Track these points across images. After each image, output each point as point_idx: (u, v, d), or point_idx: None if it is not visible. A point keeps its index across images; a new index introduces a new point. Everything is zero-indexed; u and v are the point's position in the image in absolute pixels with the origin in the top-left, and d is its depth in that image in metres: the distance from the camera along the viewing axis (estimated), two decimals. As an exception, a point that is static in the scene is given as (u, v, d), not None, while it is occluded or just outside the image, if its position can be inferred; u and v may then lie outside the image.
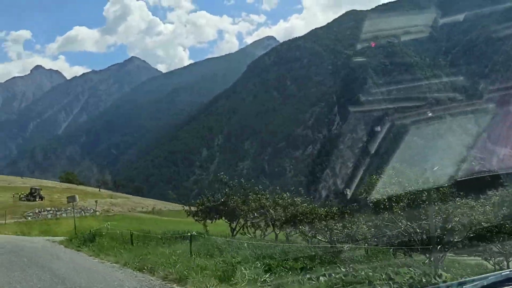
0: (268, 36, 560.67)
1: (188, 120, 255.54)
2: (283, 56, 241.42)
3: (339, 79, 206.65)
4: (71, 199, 29.37)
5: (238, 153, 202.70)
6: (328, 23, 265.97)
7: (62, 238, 20.75)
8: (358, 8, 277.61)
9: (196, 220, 26.75)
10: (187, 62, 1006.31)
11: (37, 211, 43.39)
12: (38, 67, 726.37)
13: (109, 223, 20.62)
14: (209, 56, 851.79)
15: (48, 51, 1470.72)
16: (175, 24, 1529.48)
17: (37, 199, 53.75)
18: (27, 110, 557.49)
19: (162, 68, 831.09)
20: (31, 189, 56.93)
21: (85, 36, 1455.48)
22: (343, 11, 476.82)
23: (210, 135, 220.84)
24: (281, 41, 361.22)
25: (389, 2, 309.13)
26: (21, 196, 54.56)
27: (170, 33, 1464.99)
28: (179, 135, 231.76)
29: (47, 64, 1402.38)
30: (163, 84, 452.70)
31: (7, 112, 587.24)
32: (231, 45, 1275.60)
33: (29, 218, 39.83)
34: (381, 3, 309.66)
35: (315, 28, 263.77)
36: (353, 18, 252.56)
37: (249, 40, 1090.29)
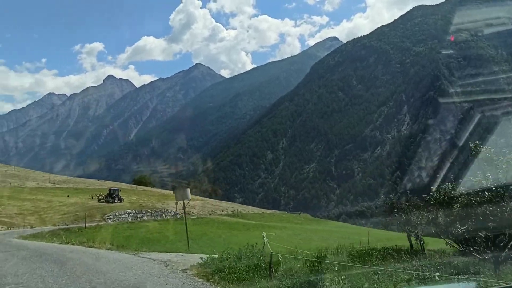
0: (330, 37, 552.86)
1: (252, 124, 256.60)
2: (348, 56, 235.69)
3: (407, 77, 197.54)
4: (181, 194, 21.63)
5: (303, 156, 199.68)
6: (394, 20, 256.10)
7: (176, 255, 14.24)
8: (426, 3, 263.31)
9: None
10: (249, 66, 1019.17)
11: (117, 213, 41.16)
12: (109, 76, 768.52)
13: (265, 233, 11.87)
14: (271, 59, 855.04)
15: (118, 61, 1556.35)
16: (238, 30, 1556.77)
17: (116, 201, 51.08)
18: (100, 118, 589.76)
19: (226, 73, 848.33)
20: (109, 190, 54.58)
21: (153, 46, 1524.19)
22: (410, 7, 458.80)
23: (274, 138, 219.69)
24: (344, 41, 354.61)
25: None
26: (100, 197, 52.61)
27: (233, 39, 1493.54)
28: (243, 139, 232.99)
29: (118, 73, 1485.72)
30: (227, 89, 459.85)
31: (83, 120, 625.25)
32: (293, 48, 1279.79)
33: (109, 221, 37.49)
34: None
35: (381, 26, 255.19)
36: (421, 14, 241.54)
37: (311, 42, 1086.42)
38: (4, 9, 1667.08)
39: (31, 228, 30.45)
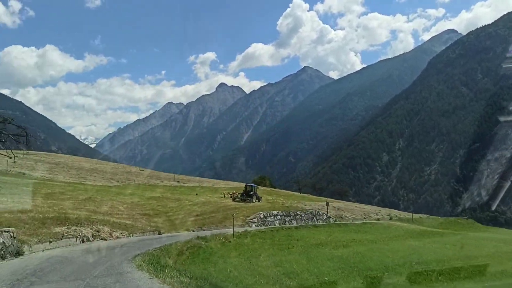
0: (447, 30, 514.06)
1: (365, 125, 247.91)
2: (471, 48, 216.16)
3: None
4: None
5: (423, 157, 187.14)
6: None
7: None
8: None
9: None
10: (359, 67, 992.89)
11: (261, 215, 33.96)
12: (221, 84, 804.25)
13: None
14: (382, 58, 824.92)
15: (230, 69, 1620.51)
16: (346, 30, 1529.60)
17: (254, 200, 44.73)
18: (214, 124, 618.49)
19: (334, 75, 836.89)
20: (246, 186, 49.76)
21: (261, 52, 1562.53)
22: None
23: (390, 139, 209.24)
24: (463, 33, 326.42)
25: None
26: (234, 195, 47.47)
27: (341, 39, 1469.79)
28: (356, 140, 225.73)
29: (230, 81, 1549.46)
30: (336, 90, 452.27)
31: (199, 127, 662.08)
32: (405, 44, 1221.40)
33: (253, 225, 31.27)
34: None
35: (509, 12, 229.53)
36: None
37: (426, 37, 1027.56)
38: (128, 27, 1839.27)
39: (158, 234, 22.89)
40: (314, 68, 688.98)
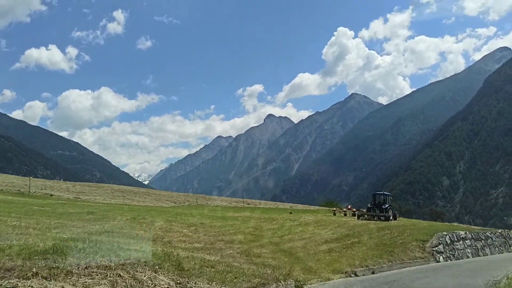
0: (500, 48, 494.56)
1: (421, 148, 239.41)
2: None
3: None
4: None
5: (487, 180, 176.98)
6: None
7: None
8: None
9: None
10: (408, 91, 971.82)
11: (447, 238, 23.43)
12: (269, 115, 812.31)
13: None
14: (432, 80, 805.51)
15: (277, 100, 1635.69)
16: (393, 54, 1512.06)
17: (390, 217, 33.99)
18: (264, 155, 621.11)
19: (383, 100, 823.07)
20: (375, 195, 37.07)
21: (308, 81, 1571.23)
22: None
23: (449, 162, 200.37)
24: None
25: None
26: (358, 212, 37.25)
27: (388, 65, 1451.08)
28: (413, 165, 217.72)
29: (277, 112, 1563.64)
30: (386, 115, 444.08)
31: (248, 159, 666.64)
32: (456, 65, 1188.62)
33: (441, 257, 21.20)
34: None
35: None
36: None
37: (477, 57, 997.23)
38: (178, 65, 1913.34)
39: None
40: (362, 94, 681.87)
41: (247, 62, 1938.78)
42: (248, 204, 58.36)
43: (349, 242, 20.79)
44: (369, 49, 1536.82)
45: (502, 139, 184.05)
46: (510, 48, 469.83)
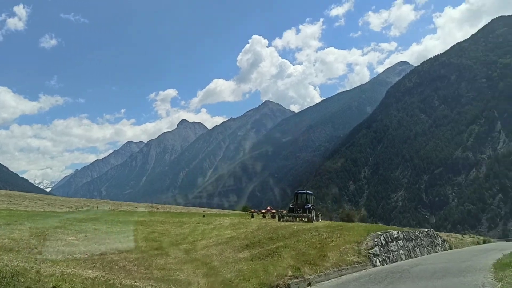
0: (400, 62, 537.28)
1: (329, 155, 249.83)
2: (426, 76, 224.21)
3: (497, 91, 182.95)
4: None
5: (389, 184, 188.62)
6: (473, 35, 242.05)
7: None
8: (505, 13, 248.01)
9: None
10: (318, 99, 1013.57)
11: (382, 239, 22.13)
12: (183, 121, 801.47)
13: None
14: (341, 90, 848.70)
15: (191, 106, 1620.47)
16: (305, 64, 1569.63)
17: (313, 217, 31.72)
18: (176, 162, 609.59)
19: (295, 108, 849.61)
20: (297, 194, 34.43)
21: (223, 87, 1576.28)
22: (483, 22, 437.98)
23: (355, 167, 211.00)
24: (414, 65, 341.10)
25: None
26: (280, 213, 35.04)
27: (300, 74, 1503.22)
28: (322, 171, 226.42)
29: (191, 117, 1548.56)
30: (298, 123, 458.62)
31: (160, 165, 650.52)
32: (362, 76, 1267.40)
33: (377, 260, 19.80)
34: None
35: (458, 43, 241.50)
36: (503, 24, 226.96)
37: (380, 69, 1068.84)
38: (86, 66, 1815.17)
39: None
40: (275, 102, 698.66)
41: (160, 66, 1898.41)
42: (157, 208, 54.94)
43: (274, 246, 18.55)
44: (282, 58, 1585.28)
45: (402, 146, 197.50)
46: (408, 63, 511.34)
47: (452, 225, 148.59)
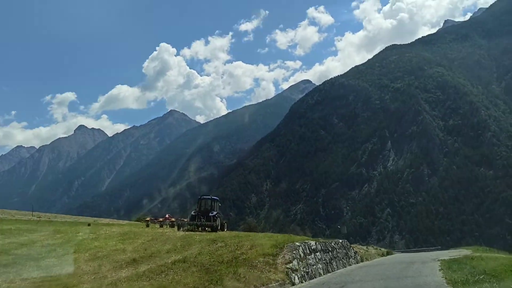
0: (304, 80, 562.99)
1: (233, 167, 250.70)
2: (327, 95, 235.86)
3: (388, 113, 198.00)
4: None
5: (289, 197, 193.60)
6: (369, 59, 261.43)
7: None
8: (397, 42, 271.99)
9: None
10: (225, 111, 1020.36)
11: (300, 251, 20.03)
12: (81, 127, 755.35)
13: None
14: (247, 103, 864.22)
15: (91, 111, 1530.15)
16: (212, 76, 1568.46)
17: (218, 226, 29.38)
18: (72, 170, 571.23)
19: (201, 119, 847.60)
20: (201, 200, 32.15)
21: (126, 94, 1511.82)
22: (378, 49, 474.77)
23: (258, 180, 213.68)
24: (317, 84, 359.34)
25: (428, 35, 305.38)
26: (180, 221, 32.84)
27: (208, 85, 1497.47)
28: (225, 183, 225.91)
29: (90, 123, 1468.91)
30: (203, 134, 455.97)
31: (53, 172, 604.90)
32: (268, 92, 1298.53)
33: (296, 277, 17.56)
34: (420, 37, 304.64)
35: (356, 66, 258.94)
36: (395, 52, 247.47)
37: (285, 86, 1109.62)
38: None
39: None
40: (181, 112, 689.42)
41: (58, 66, 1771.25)
42: (39, 217, 48.88)
43: (169, 261, 15.53)
44: (190, 68, 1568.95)
45: (303, 160, 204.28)
46: (311, 81, 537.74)
47: (345, 237, 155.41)
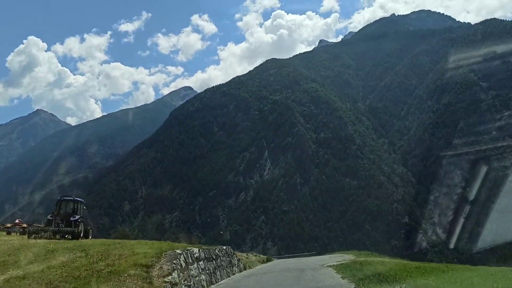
0: (185, 87, 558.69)
1: (106, 173, 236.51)
2: (208, 103, 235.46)
3: (267, 123, 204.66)
4: None
5: (165, 205, 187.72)
6: (250, 71, 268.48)
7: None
8: (277, 56, 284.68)
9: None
10: (99, 114, 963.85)
11: (181, 261, 17.81)
12: None
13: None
14: (124, 107, 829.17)
15: None
16: (87, 75, 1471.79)
17: (81, 232, 26.60)
18: None
19: (72, 121, 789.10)
20: (61, 201, 28.75)
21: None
22: (259, 61, 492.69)
23: (133, 187, 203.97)
24: (198, 91, 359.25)
25: (305, 52, 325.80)
26: (32, 227, 29.52)
27: (81, 85, 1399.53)
28: (96, 189, 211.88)
29: None
30: (74, 137, 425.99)
31: None
32: (147, 96, 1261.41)
33: None
34: (298, 53, 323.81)
35: (238, 76, 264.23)
36: (274, 66, 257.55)
37: (166, 91, 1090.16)
38: None
39: None
40: (49, 112, 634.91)
41: None
42: None
43: (1, 278, 12.46)
44: (62, 66, 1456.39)
45: (181, 167, 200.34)
46: (192, 88, 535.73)
47: (221, 244, 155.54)
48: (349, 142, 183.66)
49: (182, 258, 16.40)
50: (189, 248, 19.17)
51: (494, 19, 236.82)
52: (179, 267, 15.53)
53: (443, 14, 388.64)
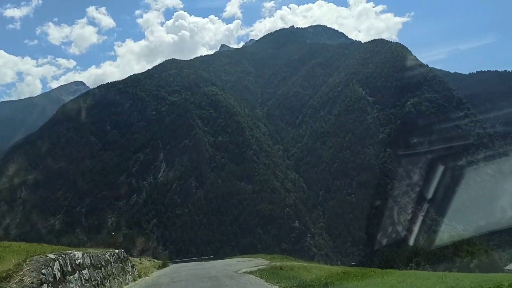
0: (76, 81, 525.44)
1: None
2: (101, 100, 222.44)
3: (163, 124, 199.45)
4: None
5: (48, 207, 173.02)
6: (149, 70, 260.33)
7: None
8: (178, 57, 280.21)
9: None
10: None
11: (52, 271, 12.47)
12: None
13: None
14: (6, 99, 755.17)
15: None
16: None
17: None
18: None
19: None
20: None
21: None
22: (159, 61, 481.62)
23: (10, 186, 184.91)
24: (91, 87, 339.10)
25: (206, 55, 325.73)
26: None
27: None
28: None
29: None
30: None
31: None
32: (33, 88, 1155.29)
33: None
34: (199, 56, 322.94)
35: (135, 74, 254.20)
36: (174, 66, 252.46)
37: (54, 85, 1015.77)
38: None
39: None
40: None
41: None
42: None
43: None
44: None
45: (67, 167, 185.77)
46: (85, 83, 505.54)
47: (112, 248, 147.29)
48: (246, 147, 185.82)
49: (56, 266, 12.05)
50: (69, 251, 14.54)
51: (381, 39, 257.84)
52: (51, 279, 11.27)
53: (337, 30, 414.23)
